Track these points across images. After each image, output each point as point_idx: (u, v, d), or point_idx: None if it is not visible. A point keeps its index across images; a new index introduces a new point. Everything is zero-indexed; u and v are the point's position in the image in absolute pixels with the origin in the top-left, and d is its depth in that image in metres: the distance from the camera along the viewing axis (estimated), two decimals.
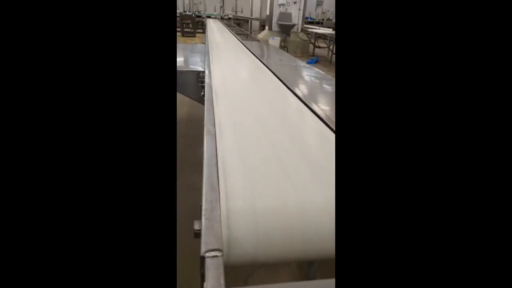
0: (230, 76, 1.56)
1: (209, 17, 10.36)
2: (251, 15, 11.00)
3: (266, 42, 5.77)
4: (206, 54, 2.08)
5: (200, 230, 0.54)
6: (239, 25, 9.09)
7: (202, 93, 1.37)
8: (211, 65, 1.69)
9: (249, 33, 5.98)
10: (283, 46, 6.59)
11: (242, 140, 0.86)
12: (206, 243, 0.50)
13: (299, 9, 6.54)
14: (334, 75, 1.72)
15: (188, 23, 10.73)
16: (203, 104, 1.63)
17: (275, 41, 6.26)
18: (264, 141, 0.86)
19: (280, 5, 6.62)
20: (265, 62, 1.97)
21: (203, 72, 1.58)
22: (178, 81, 1.62)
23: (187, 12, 12.12)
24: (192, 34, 10.67)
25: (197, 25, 10.99)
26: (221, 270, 0.46)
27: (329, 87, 1.57)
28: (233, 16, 11.22)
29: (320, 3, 14.51)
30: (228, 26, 6.33)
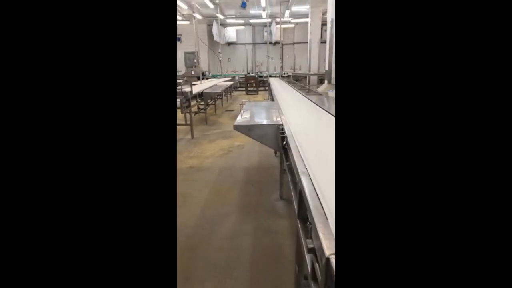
0: (306, 129, 1.78)
1: (270, 76, 11.34)
2: (309, 71, 11.70)
3: (326, 94, 6.05)
4: (279, 110, 2.38)
5: None
6: (297, 81, 9.74)
7: (284, 142, 1.59)
8: (288, 119, 1.95)
9: (308, 87, 6.37)
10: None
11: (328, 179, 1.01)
12: None
13: None
14: None
15: (252, 83, 11.92)
16: (282, 152, 1.85)
17: (334, 93, 6.51)
18: None
19: None
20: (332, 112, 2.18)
21: (281, 125, 1.83)
22: (260, 132, 1.90)
23: (251, 74, 13.54)
24: (255, 92, 11.73)
25: (259, 84, 12.12)
26: None
27: None
28: (292, 73, 12.08)
29: None
30: (288, 82, 6.91)
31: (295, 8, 12.04)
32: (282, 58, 11.78)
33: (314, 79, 11.70)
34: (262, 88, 12.46)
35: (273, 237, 1.96)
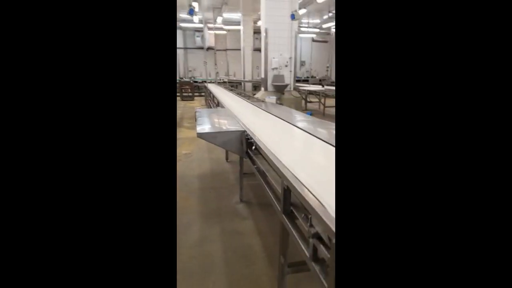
0: (265, 129, 1.94)
1: (205, 81, 11.31)
2: (244, 78, 12.07)
3: (263, 100, 6.38)
4: (235, 117, 2.50)
5: None
6: (233, 87, 9.99)
7: (254, 147, 1.71)
8: (248, 125, 2.08)
9: (251, 95, 6.63)
10: (279, 103, 7.25)
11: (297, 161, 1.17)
12: None
13: (290, 71, 7.33)
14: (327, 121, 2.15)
15: (187, 88, 11.69)
16: (244, 157, 1.96)
17: (272, 99, 6.91)
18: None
19: (273, 68, 7.39)
20: (283, 118, 2.39)
21: (245, 131, 1.95)
22: (224, 139, 1.98)
23: (185, 79, 13.25)
24: (190, 98, 11.53)
25: (194, 90, 11.96)
26: None
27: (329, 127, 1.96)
28: (228, 80, 12.29)
29: (303, 63, 16.15)
30: (228, 89, 7.08)
31: (227, 15, 12.30)
32: (216, 64, 11.88)
33: (249, 85, 12.13)
34: (198, 94, 12.33)
35: (240, 238, 2.05)
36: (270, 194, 1.40)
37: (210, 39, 13.58)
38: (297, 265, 1.31)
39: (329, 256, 0.79)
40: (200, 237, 2.05)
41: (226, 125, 2.23)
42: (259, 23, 11.56)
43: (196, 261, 1.79)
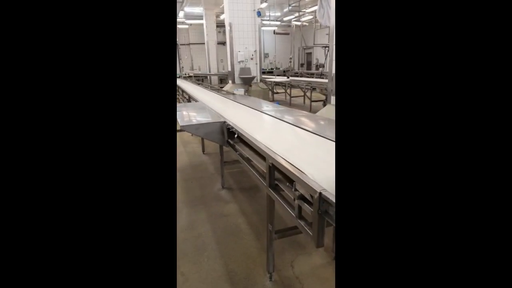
0: (243, 119, 2.14)
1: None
2: (209, 71, 12.05)
3: (233, 93, 6.53)
4: (210, 109, 2.66)
5: None
6: (199, 81, 10.00)
7: (236, 135, 1.90)
8: (228, 116, 2.26)
9: (219, 88, 6.73)
10: (248, 95, 7.44)
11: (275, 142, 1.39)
12: None
13: (256, 64, 7.54)
14: (296, 109, 2.41)
15: None
16: (225, 146, 2.14)
17: (240, 91, 7.08)
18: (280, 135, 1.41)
19: (239, 62, 7.54)
20: (257, 108, 2.60)
21: (225, 122, 2.12)
22: (206, 130, 2.14)
23: None
24: None
25: None
26: None
27: (298, 114, 2.22)
28: (193, 74, 12.18)
29: (267, 55, 16.46)
30: (195, 83, 7.13)
31: (188, 9, 12.11)
32: (180, 59, 11.71)
33: (215, 79, 12.14)
34: None
35: (227, 219, 2.25)
36: (255, 174, 1.61)
37: None
38: (282, 232, 1.55)
39: (312, 210, 1.02)
40: (189, 222, 2.22)
41: (206, 117, 2.38)
42: (222, 16, 11.57)
43: (189, 242, 1.96)
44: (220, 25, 12.46)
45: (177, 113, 2.54)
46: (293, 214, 1.17)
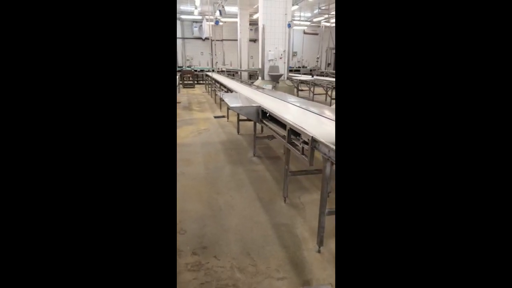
0: (272, 106, 3.11)
1: (208, 71, 12.30)
2: (240, 67, 13.09)
3: (263, 87, 7.50)
4: (247, 97, 3.68)
5: None
6: (230, 76, 11.07)
7: (268, 115, 2.89)
8: (262, 103, 3.27)
9: (249, 83, 7.75)
10: (275, 91, 8.41)
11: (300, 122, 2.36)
12: None
13: (284, 63, 8.48)
14: (313, 102, 3.34)
15: (189, 77, 12.69)
16: (259, 123, 3.14)
17: (268, 87, 8.04)
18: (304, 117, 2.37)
19: (269, 60, 8.53)
20: (281, 99, 3.58)
21: (261, 106, 3.13)
22: (247, 111, 3.15)
23: (186, 67, 14.21)
24: (192, 86, 12.55)
25: (195, 78, 12.97)
26: None
27: (311, 103, 3.15)
28: (226, 69, 13.29)
29: (295, 54, 17.28)
30: (226, 77, 8.23)
31: (226, 8, 13.18)
32: (215, 54, 12.82)
33: (245, 74, 13.19)
34: (196, 82, 13.32)
35: (257, 172, 3.27)
36: (279, 137, 2.60)
37: (207, 30, 14.47)
38: (294, 172, 2.54)
39: (307, 146, 1.98)
40: (231, 173, 3.26)
41: (246, 102, 3.40)
42: (255, 16, 12.52)
43: (233, 182, 3.00)
44: (252, 23, 13.43)
45: (226, 99, 3.58)
46: (299, 152, 2.16)
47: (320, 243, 1.93)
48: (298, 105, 3.22)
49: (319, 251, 1.93)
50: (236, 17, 12.90)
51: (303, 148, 2.10)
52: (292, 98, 4.00)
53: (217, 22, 9.56)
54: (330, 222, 2.23)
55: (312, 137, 1.90)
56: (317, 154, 1.90)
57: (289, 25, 7.80)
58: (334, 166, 1.83)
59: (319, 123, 2.37)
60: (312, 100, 8.82)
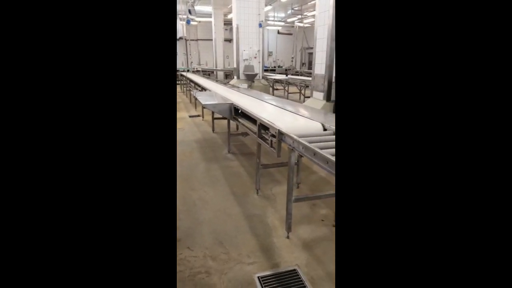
0: (246, 103, 3.21)
1: (183, 71, 12.16)
2: (216, 67, 13.09)
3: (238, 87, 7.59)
4: (221, 96, 3.76)
5: None
6: (206, 76, 11.05)
7: (240, 111, 2.98)
8: (233, 100, 3.35)
9: (225, 82, 7.81)
10: (250, 89, 8.51)
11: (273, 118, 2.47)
12: None
13: (259, 62, 8.62)
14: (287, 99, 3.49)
15: None
16: (232, 120, 3.23)
17: (244, 86, 8.14)
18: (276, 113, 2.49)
19: (244, 60, 8.64)
20: (254, 97, 3.69)
21: (232, 103, 3.22)
22: (220, 108, 3.23)
23: None
24: None
25: None
26: None
27: (282, 101, 3.29)
28: (201, 69, 13.23)
29: (271, 54, 17.52)
30: (202, 77, 8.24)
31: (198, 8, 13.11)
32: (190, 54, 12.72)
33: (220, 74, 13.20)
34: None
35: (232, 168, 3.35)
36: (251, 132, 2.71)
37: (181, 29, 14.32)
38: (265, 166, 2.65)
39: (275, 139, 2.09)
40: (207, 169, 3.33)
41: (219, 100, 3.48)
42: (230, 15, 12.58)
43: (207, 178, 3.07)
44: (227, 23, 13.47)
45: (199, 97, 3.63)
46: (268, 145, 2.28)
47: (289, 229, 2.05)
48: (267, 101, 3.34)
49: (288, 237, 2.05)
50: (211, 17, 12.88)
51: (271, 141, 2.21)
52: (267, 96, 4.12)
53: (188, 22, 9.50)
54: (298, 210, 2.37)
55: (278, 130, 2.02)
56: (284, 146, 2.01)
57: (260, 25, 7.96)
58: (298, 155, 1.95)
59: (289, 118, 2.50)
60: (287, 98, 9.03)
